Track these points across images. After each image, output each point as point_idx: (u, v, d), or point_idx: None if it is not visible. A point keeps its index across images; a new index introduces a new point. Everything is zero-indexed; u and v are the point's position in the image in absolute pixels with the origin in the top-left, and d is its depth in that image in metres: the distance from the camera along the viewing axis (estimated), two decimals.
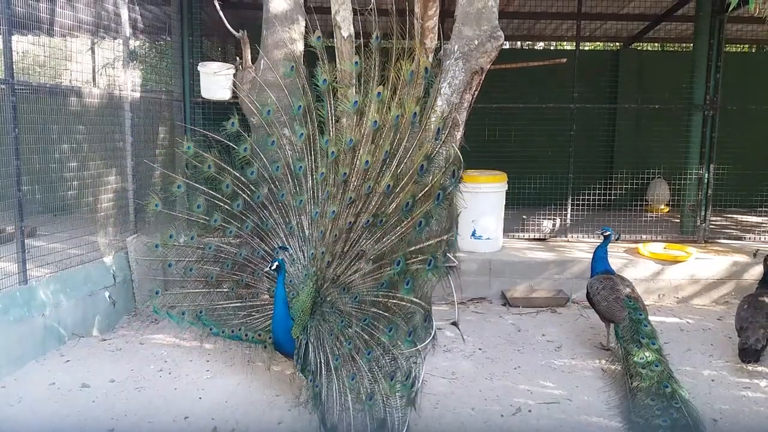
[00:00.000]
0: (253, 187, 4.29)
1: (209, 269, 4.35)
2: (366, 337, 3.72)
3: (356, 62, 4.30)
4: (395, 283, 3.80)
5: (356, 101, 4.13)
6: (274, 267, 3.79)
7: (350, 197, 4.02)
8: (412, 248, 3.78)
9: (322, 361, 3.73)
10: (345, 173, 4.07)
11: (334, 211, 4.07)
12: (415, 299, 3.69)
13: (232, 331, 4.24)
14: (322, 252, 4.06)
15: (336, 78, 4.45)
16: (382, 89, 4.12)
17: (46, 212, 6.02)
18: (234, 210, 4.29)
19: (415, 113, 3.94)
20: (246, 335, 4.20)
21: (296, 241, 4.22)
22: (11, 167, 4.73)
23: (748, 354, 4.58)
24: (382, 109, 4.07)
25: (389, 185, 3.90)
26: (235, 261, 4.32)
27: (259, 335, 4.17)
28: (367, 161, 4.00)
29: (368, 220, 3.94)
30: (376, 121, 4.03)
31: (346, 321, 3.84)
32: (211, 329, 4.29)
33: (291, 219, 4.23)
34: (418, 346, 3.57)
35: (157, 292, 4.47)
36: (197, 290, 4.36)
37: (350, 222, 4.00)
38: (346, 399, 3.55)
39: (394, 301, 3.76)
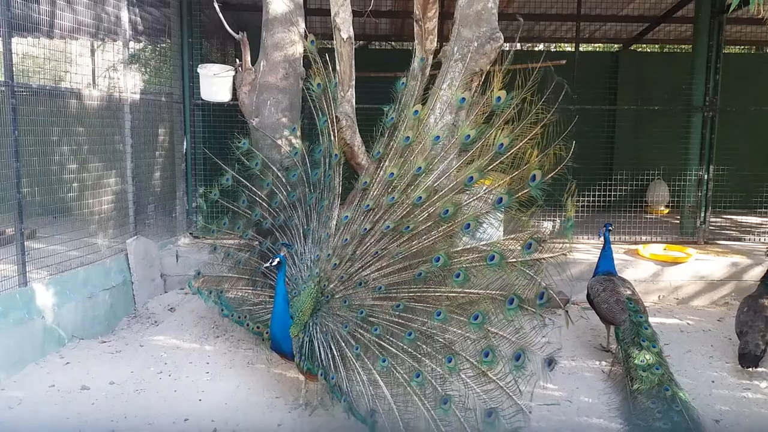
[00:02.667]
0: (290, 188, 4.61)
1: (242, 255, 4.72)
2: (395, 327, 3.69)
3: (403, 83, 4.42)
4: (438, 276, 3.76)
5: (392, 117, 4.23)
6: (275, 263, 3.82)
7: (367, 205, 4.06)
8: (459, 248, 3.75)
9: (335, 354, 3.73)
10: (365, 182, 4.14)
11: (347, 216, 4.14)
12: (470, 290, 3.62)
13: (239, 317, 4.41)
14: (328, 254, 4.10)
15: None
16: (421, 108, 4.19)
17: (46, 214, 6.03)
18: (271, 207, 4.63)
19: (468, 135, 3.92)
20: (248, 324, 4.35)
21: (309, 241, 4.29)
22: (11, 169, 4.73)
23: (747, 359, 4.57)
24: (418, 126, 4.12)
25: (420, 197, 3.90)
26: (261, 250, 4.57)
27: (258, 327, 4.27)
28: (391, 173, 4.04)
29: (388, 226, 3.95)
30: (408, 137, 4.09)
31: (367, 312, 3.83)
32: (222, 310, 4.53)
33: (312, 220, 4.38)
34: (490, 328, 3.49)
35: (198, 273, 4.88)
36: (226, 275, 4.72)
37: (365, 228, 4.03)
38: (376, 386, 3.52)
39: (436, 294, 3.70)
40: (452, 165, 3.95)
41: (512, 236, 3.72)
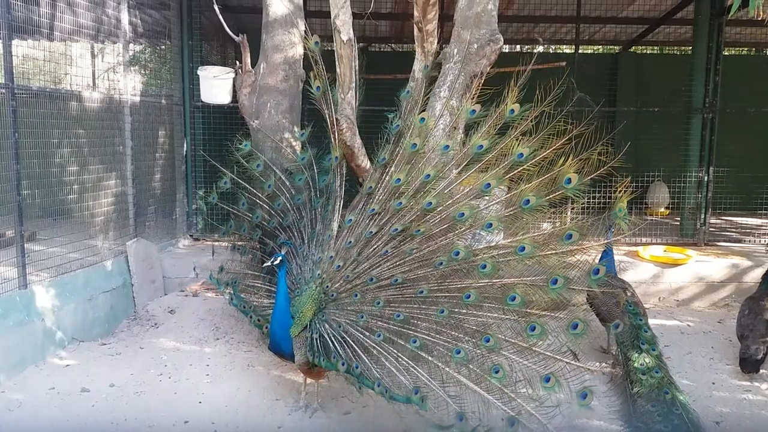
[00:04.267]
0: (294, 191, 4.60)
1: (256, 253, 4.78)
2: (418, 314, 3.69)
3: (408, 91, 4.47)
4: (461, 269, 3.75)
5: (398, 125, 4.25)
6: (276, 261, 3.83)
7: (373, 209, 4.08)
8: (483, 246, 3.75)
9: (352, 344, 3.73)
10: (371, 187, 4.17)
11: (351, 219, 4.17)
12: (500, 279, 3.61)
13: (245, 307, 4.44)
14: (331, 256, 4.11)
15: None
16: (426, 116, 4.21)
17: (46, 216, 6.03)
18: (273, 209, 4.62)
19: (480, 145, 3.92)
20: (251, 317, 4.38)
21: (314, 243, 4.31)
22: (11, 171, 4.73)
23: (748, 364, 4.57)
24: (425, 134, 4.14)
25: (430, 203, 3.90)
26: (271, 248, 4.58)
27: (259, 321, 4.30)
28: (398, 179, 4.06)
29: (396, 229, 3.95)
30: (415, 144, 4.10)
31: (384, 302, 3.83)
32: (231, 299, 4.57)
33: (317, 223, 4.40)
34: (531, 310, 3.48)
35: (221, 268, 4.89)
36: (242, 271, 4.77)
37: (371, 231, 4.05)
38: (407, 369, 3.50)
39: (461, 286, 3.69)
40: (463, 173, 3.94)
41: (544, 231, 3.73)
